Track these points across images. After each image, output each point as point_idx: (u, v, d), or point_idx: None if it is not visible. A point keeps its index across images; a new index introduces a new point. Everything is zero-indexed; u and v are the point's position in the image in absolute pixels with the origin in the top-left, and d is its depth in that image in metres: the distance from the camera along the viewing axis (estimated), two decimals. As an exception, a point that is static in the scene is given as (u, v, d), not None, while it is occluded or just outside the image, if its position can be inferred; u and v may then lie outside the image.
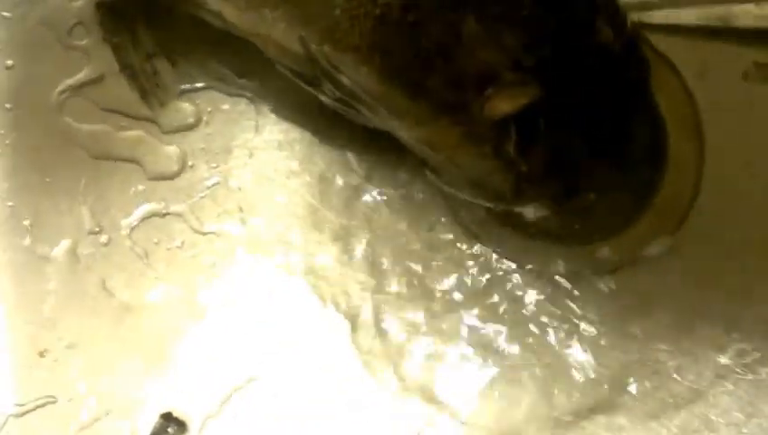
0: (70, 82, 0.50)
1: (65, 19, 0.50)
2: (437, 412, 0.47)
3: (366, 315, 0.48)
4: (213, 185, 0.49)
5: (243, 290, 0.49)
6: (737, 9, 0.46)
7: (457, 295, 0.48)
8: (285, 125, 0.49)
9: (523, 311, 0.47)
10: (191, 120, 0.50)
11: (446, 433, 0.47)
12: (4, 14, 0.50)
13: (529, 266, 0.47)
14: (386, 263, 0.48)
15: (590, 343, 0.46)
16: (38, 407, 0.48)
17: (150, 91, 0.49)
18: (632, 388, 0.46)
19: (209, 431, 0.47)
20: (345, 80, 0.42)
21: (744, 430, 0.45)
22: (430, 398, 0.47)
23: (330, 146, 0.49)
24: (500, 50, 0.41)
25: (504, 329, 0.47)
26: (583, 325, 0.47)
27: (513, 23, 0.41)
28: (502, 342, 0.47)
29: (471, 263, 0.48)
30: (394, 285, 0.48)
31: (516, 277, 0.47)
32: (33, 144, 0.50)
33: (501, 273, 0.47)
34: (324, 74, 0.43)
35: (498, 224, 0.48)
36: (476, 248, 0.48)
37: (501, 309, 0.47)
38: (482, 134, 0.42)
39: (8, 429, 0.47)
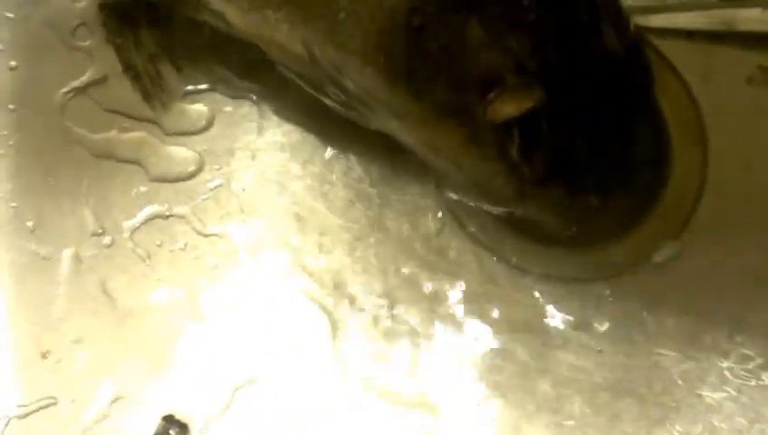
0: (73, 83, 0.50)
1: (68, 20, 0.50)
2: (438, 417, 0.47)
3: (368, 318, 0.48)
4: (215, 187, 0.49)
5: (245, 292, 0.49)
6: (742, 13, 0.46)
7: (460, 299, 0.47)
8: (288, 127, 0.49)
9: (526, 315, 0.47)
10: (194, 121, 0.50)
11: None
12: (8, 14, 0.50)
13: (532, 270, 0.47)
14: (388, 266, 0.48)
15: (592, 348, 0.46)
16: (40, 408, 0.48)
17: (153, 93, 0.49)
18: (635, 393, 0.46)
19: (211, 433, 0.47)
20: (348, 82, 0.42)
21: (747, 435, 0.45)
22: (431, 402, 0.47)
23: (332, 148, 0.49)
24: (503, 53, 0.41)
25: (506, 333, 0.47)
26: (586, 330, 0.46)
27: (517, 26, 0.41)
28: (504, 346, 0.47)
29: (473, 266, 0.48)
30: (396, 289, 0.48)
31: (519, 281, 0.47)
32: (37, 145, 0.50)
33: (503, 276, 0.47)
34: (328, 77, 0.43)
35: (500, 227, 0.47)
36: (479, 252, 0.48)
37: (503, 313, 0.47)
38: (485, 137, 0.42)
39: (10, 430, 0.47)
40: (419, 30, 0.40)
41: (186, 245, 0.49)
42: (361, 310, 0.48)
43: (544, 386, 0.46)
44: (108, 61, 0.50)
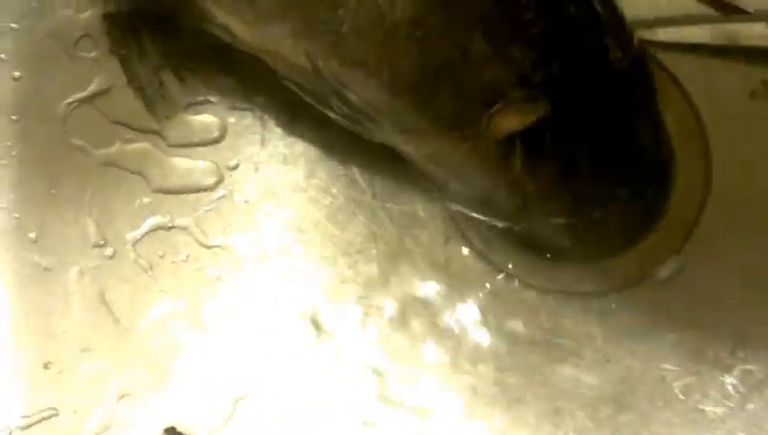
0: (76, 93, 0.50)
1: (72, 31, 0.50)
2: (438, 427, 0.47)
3: (370, 331, 0.48)
4: (218, 198, 0.49)
5: (246, 303, 0.48)
6: (746, 28, 0.46)
7: (462, 312, 0.47)
8: (291, 139, 0.49)
9: (528, 328, 0.47)
10: (197, 133, 0.50)
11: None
12: (12, 25, 0.50)
13: (535, 283, 0.47)
14: (390, 279, 0.48)
15: (595, 362, 0.46)
16: (42, 419, 0.48)
17: (157, 104, 0.49)
18: (637, 407, 0.46)
19: (213, 445, 0.48)
20: (352, 95, 0.42)
21: (749, 451, 0.45)
22: (432, 413, 0.47)
23: (335, 161, 0.49)
24: (507, 66, 0.41)
25: (508, 346, 0.47)
26: (588, 343, 0.46)
27: (521, 40, 0.41)
28: (506, 358, 0.47)
29: (476, 279, 0.47)
30: (397, 302, 0.48)
31: (521, 294, 0.47)
32: (39, 156, 0.50)
33: (506, 290, 0.47)
34: (331, 89, 0.43)
35: (503, 241, 0.47)
36: (481, 265, 0.48)
37: (506, 326, 0.47)
38: (489, 150, 0.42)
39: (13, 441, 0.48)
40: (423, 43, 0.40)
41: (188, 256, 0.49)
42: (363, 322, 0.48)
43: (546, 399, 0.46)
44: (111, 72, 0.49)
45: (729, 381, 0.45)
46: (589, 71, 0.42)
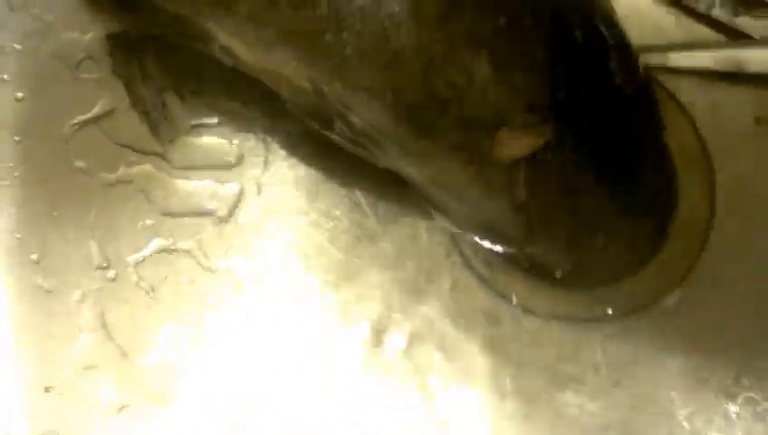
0: (80, 115, 0.50)
1: (76, 52, 0.50)
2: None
3: (372, 352, 0.48)
4: (221, 221, 0.49)
5: (248, 326, 0.48)
6: (752, 54, 0.46)
7: (464, 336, 0.47)
8: (294, 162, 0.49)
9: (531, 354, 0.47)
10: (200, 155, 0.49)
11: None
12: (15, 46, 0.50)
13: (538, 310, 0.47)
14: (392, 303, 0.48)
15: (599, 389, 0.46)
16: (44, 442, 0.48)
17: (161, 126, 0.49)
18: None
19: (214, 468, 0.47)
20: (355, 118, 0.42)
21: (753, 479, 0.45)
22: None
23: (338, 184, 0.49)
24: (512, 91, 0.41)
25: (510, 371, 0.47)
26: (593, 370, 0.46)
27: (527, 65, 0.41)
28: (508, 384, 0.47)
29: (478, 305, 0.47)
30: (400, 325, 0.48)
31: (524, 320, 0.47)
32: (42, 176, 0.49)
33: (508, 316, 0.47)
34: (335, 112, 0.43)
35: (506, 267, 0.47)
36: (483, 292, 0.47)
37: (508, 352, 0.47)
38: (493, 175, 0.42)
39: (14, 464, 0.47)
40: (427, 67, 0.40)
41: (190, 279, 0.49)
42: (365, 345, 0.48)
43: (549, 426, 0.46)
44: (115, 93, 0.49)
45: (733, 409, 0.45)
46: (594, 96, 0.42)
